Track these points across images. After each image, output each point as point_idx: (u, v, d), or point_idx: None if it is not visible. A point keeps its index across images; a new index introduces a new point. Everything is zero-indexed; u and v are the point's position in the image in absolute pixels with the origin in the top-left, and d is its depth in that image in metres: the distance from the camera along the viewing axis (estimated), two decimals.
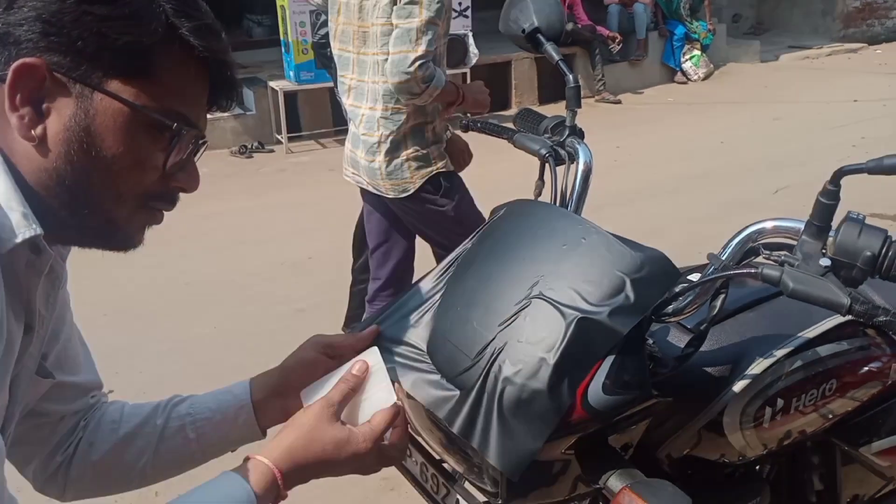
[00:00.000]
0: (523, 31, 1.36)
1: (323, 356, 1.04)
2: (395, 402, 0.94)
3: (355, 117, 2.50)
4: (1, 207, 0.71)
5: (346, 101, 2.54)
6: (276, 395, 1.03)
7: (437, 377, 0.98)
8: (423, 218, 2.50)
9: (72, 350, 0.99)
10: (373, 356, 0.98)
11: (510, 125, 1.49)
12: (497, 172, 4.16)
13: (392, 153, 2.40)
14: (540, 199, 1.30)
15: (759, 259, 1.09)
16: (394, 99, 2.35)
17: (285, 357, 1.07)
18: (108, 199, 0.78)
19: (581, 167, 1.29)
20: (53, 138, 0.74)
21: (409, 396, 1.01)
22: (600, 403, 0.97)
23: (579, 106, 1.36)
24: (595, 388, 0.97)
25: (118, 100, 0.75)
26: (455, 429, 0.94)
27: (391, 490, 2.42)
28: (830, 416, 1.26)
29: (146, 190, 0.80)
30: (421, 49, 2.21)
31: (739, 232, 1.10)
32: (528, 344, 0.93)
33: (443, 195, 2.43)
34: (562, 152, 1.31)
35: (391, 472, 1.40)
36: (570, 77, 1.33)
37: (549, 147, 1.31)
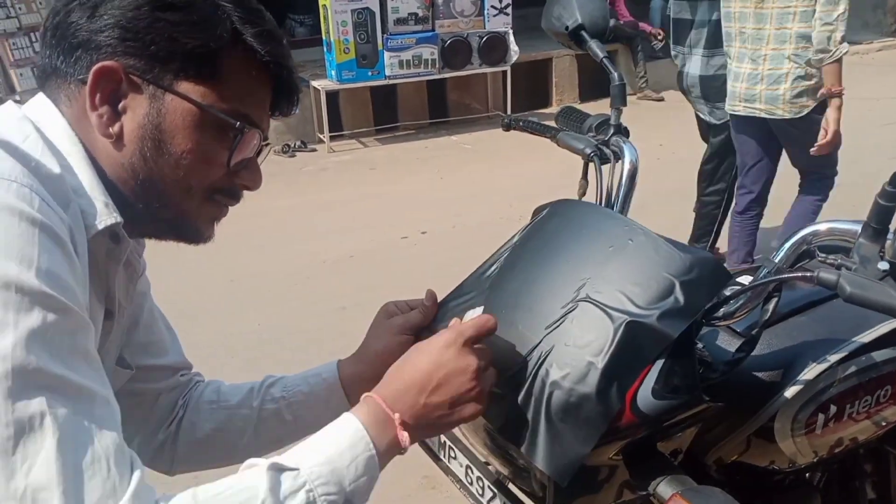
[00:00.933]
0: (567, 28, 1.33)
1: (405, 337, 1.04)
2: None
3: (756, 58, 3.30)
4: (87, 196, 0.77)
5: (735, 47, 3.37)
6: (364, 381, 1.02)
7: None
8: (806, 134, 3.32)
9: (155, 335, 1.05)
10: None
11: (551, 123, 1.47)
12: (539, 171, 4.14)
13: (796, 82, 3.25)
14: (584, 198, 1.29)
15: (814, 262, 1.07)
16: (802, 40, 3.15)
17: (362, 341, 1.08)
18: (177, 193, 0.84)
19: (627, 166, 1.26)
20: (129, 135, 0.81)
21: None
22: (650, 408, 0.95)
23: (624, 104, 1.33)
24: (644, 393, 0.96)
25: (187, 100, 0.81)
26: (501, 432, 0.94)
27: (432, 489, 2.43)
28: (884, 424, 1.23)
29: (212, 185, 0.86)
30: (841, 28, 3.09)
31: (793, 234, 1.08)
32: (576, 348, 0.91)
33: (822, 116, 3.22)
34: (606, 151, 1.29)
35: (433, 470, 1.41)
36: (615, 75, 1.31)
37: (593, 146, 1.29)
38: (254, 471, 0.74)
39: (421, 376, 0.84)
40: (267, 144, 0.90)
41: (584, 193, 1.31)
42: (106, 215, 0.78)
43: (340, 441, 0.79)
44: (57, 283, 0.67)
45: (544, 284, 0.98)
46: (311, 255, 4.31)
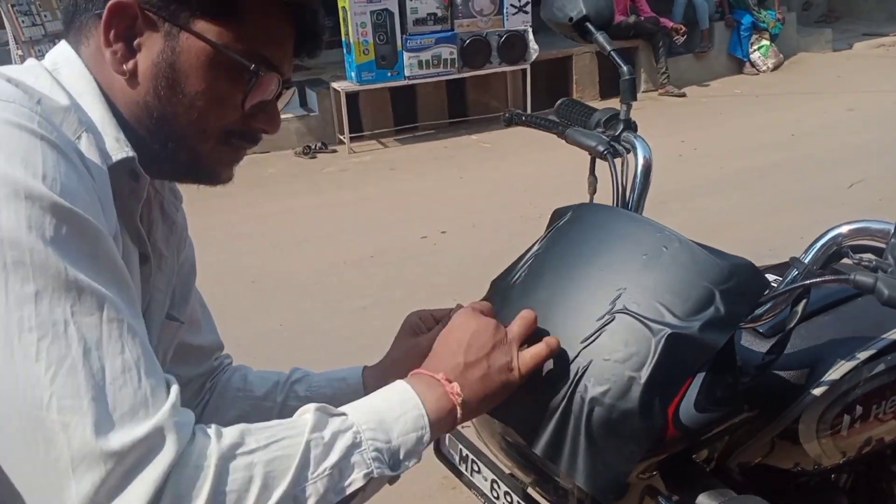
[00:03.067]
0: (570, 19, 1.26)
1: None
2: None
3: None
4: (98, 131, 0.76)
5: None
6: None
7: (513, 395, 0.92)
8: None
9: (194, 313, 1.05)
10: None
11: (554, 118, 1.41)
12: (559, 169, 4.12)
13: None
14: (596, 196, 1.26)
15: (845, 262, 1.05)
16: None
17: (390, 347, 1.08)
18: (191, 133, 0.82)
19: (641, 163, 1.21)
20: (143, 73, 0.79)
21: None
22: (693, 421, 0.93)
23: (634, 98, 1.27)
24: (687, 406, 0.94)
25: (202, 39, 0.79)
26: (538, 450, 0.90)
27: (452, 489, 2.43)
28: None
29: (227, 127, 0.84)
30: None
31: (824, 234, 1.05)
32: (615, 362, 0.88)
33: None
34: (618, 147, 1.24)
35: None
36: (625, 69, 1.24)
37: (605, 143, 1.23)
38: (304, 414, 0.74)
39: (451, 345, 0.85)
40: (288, 87, 0.87)
41: (594, 191, 1.27)
42: (117, 150, 0.77)
43: (388, 398, 0.79)
44: (65, 191, 0.65)
45: (576, 295, 0.94)
46: (332, 256, 4.32)
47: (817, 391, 1.09)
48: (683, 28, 7.95)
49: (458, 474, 1.29)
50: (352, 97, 6.44)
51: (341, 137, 6.51)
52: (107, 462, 0.61)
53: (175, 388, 0.68)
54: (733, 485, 1.09)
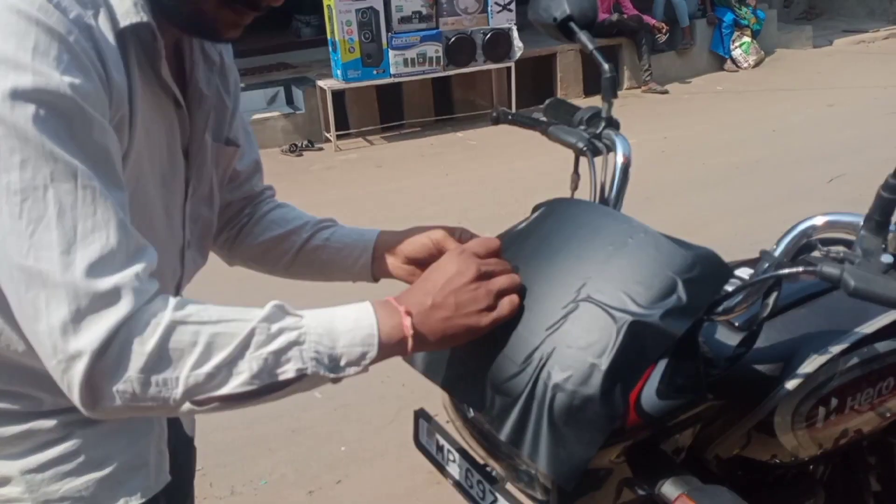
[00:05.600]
0: (555, 19, 1.28)
1: (436, 251, 1.07)
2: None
3: None
4: None
5: None
6: (390, 253, 1.11)
7: (480, 381, 0.95)
8: None
9: (237, 138, 1.11)
10: None
11: (541, 116, 1.43)
12: (545, 166, 4.15)
13: None
14: (577, 192, 1.28)
15: (815, 255, 1.05)
16: None
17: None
18: None
19: (620, 160, 1.24)
20: None
21: (450, 398, 1.00)
22: (654, 409, 0.94)
23: (615, 96, 1.30)
24: (649, 393, 0.95)
25: None
26: (503, 436, 0.92)
27: (437, 483, 2.44)
28: (888, 415, 1.22)
29: None
30: None
31: (793, 227, 1.07)
32: (578, 349, 0.90)
33: None
34: (598, 145, 1.26)
35: None
36: (606, 67, 1.26)
37: (585, 140, 1.25)
38: (266, 305, 0.81)
39: (428, 283, 0.90)
40: None
41: (576, 188, 1.29)
42: (133, 14, 0.81)
43: (349, 313, 0.85)
44: (52, 73, 0.72)
45: (544, 285, 0.96)
46: None
47: (792, 383, 1.10)
48: (665, 26, 8.00)
49: (436, 464, 1.31)
50: (338, 95, 6.43)
51: (327, 135, 6.50)
52: (70, 303, 0.72)
53: (145, 262, 0.77)
54: (710, 477, 1.11)
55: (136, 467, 0.96)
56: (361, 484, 2.50)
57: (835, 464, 1.35)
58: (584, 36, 1.28)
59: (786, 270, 0.99)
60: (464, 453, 1.24)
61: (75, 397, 0.75)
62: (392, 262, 1.11)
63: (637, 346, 0.89)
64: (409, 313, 0.86)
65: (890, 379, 1.19)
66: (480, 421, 1.06)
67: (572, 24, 1.28)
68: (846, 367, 1.13)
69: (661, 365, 0.96)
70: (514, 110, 1.50)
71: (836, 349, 1.13)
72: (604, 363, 0.88)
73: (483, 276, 0.90)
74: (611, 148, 1.26)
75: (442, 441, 1.29)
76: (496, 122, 1.48)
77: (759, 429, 1.12)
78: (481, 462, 1.22)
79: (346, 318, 0.84)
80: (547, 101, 1.44)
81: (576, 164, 1.30)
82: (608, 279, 0.93)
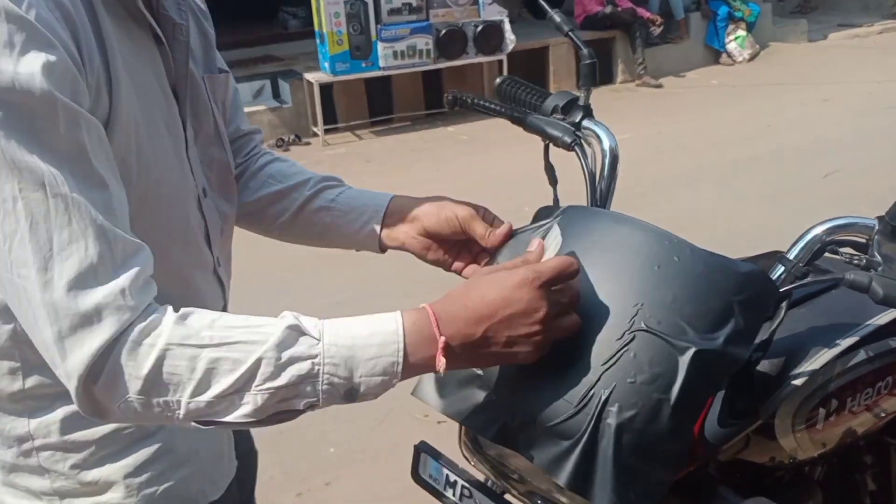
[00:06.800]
0: None
1: (458, 229, 1.00)
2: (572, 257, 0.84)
3: None
4: None
5: None
6: (405, 221, 1.03)
7: (524, 423, 0.88)
8: None
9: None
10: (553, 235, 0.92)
11: (496, 100, 1.29)
12: (536, 161, 4.10)
13: None
14: (558, 186, 1.19)
15: (827, 256, 1.05)
16: None
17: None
18: None
19: (608, 154, 1.15)
20: None
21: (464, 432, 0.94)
22: (716, 437, 0.93)
23: (595, 83, 1.18)
24: (711, 422, 0.93)
25: None
26: (564, 482, 0.84)
27: None
28: (884, 415, 1.21)
29: None
30: None
31: (807, 231, 1.05)
32: (641, 384, 0.84)
33: None
34: (583, 137, 1.16)
35: None
36: (586, 51, 1.15)
37: (571, 133, 1.14)
38: (278, 321, 0.75)
39: (485, 309, 0.77)
40: None
41: (556, 182, 1.19)
42: None
43: (374, 334, 0.76)
44: (2, 63, 0.66)
45: (590, 314, 0.87)
46: (308, 249, 4.24)
47: (793, 385, 1.08)
48: (659, 19, 7.97)
49: (442, 498, 1.25)
50: (326, 88, 6.38)
51: (315, 129, 6.46)
52: (52, 324, 0.68)
53: (134, 271, 0.71)
54: (709, 480, 1.09)
55: (217, 457, 0.95)
56: (351, 486, 2.48)
57: (831, 464, 1.33)
58: (557, 16, 1.16)
59: (812, 279, 0.98)
60: (484, 489, 1.19)
61: (81, 410, 0.73)
62: (406, 231, 1.02)
63: (703, 376, 0.84)
64: (446, 348, 0.76)
65: (888, 378, 1.18)
66: (505, 454, 1.02)
67: (541, 2, 1.17)
68: (846, 368, 1.12)
69: (721, 393, 0.94)
70: (455, 90, 1.31)
71: (835, 350, 1.11)
72: (672, 397, 0.83)
73: (550, 319, 0.79)
74: (586, 140, 1.16)
75: (454, 476, 1.24)
76: (452, 105, 1.35)
77: (758, 431, 1.10)
78: (499, 491, 1.18)
79: (369, 343, 0.75)
80: (498, 80, 1.31)
81: (546, 154, 1.20)
82: (661, 305, 0.86)
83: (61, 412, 0.85)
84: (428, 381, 0.97)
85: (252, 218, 1.12)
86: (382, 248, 1.06)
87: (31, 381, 0.84)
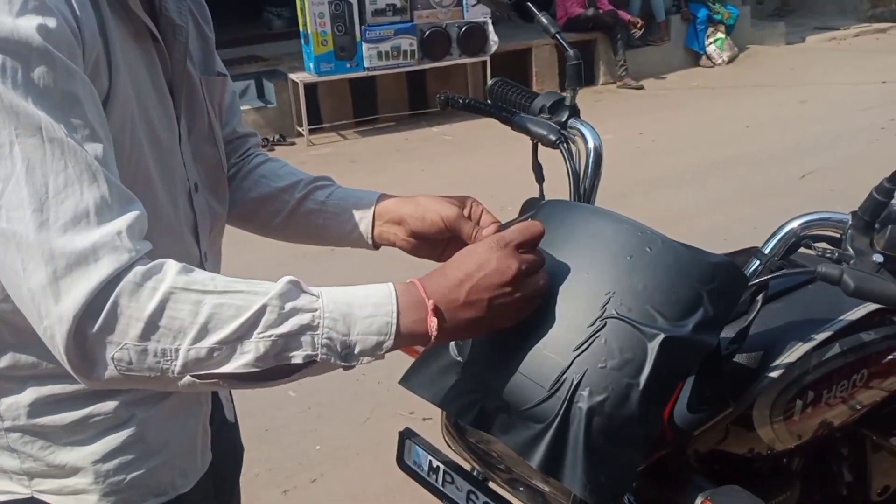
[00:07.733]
0: None
1: (449, 230, 1.02)
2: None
3: None
4: None
5: None
6: (394, 223, 1.06)
7: (500, 407, 0.90)
8: None
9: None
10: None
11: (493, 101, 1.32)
12: (520, 161, 4.12)
13: None
14: (545, 184, 1.23)
15: (801, 251, 1.07)
16: None
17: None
18: None
19: (592, 153, 1.18)
20: None
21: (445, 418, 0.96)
22: (686, 422, 0.95)
23: (581, 84, 1.22)
24: (680, 408, 0.95)
25: None
26: (536, 464, 0.87)
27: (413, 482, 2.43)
28: (860, 407, 1.24)
29: None
30: None
31: (783, 225, 1.07)
32: (612, 370, 0.86)
33: None
34: (568, 136, 1.20)
35: None
36: (571, 52, 1.17)
37: (556, 131, 1.18)
38: (280, 281, 0.76)
39: (462, 274, 0.82)
40: None
41: (543, 180, 1.23)
42: None
43: (369, 296, 0.79)
44: (4, 16, 0.68)
45: (564, 301, 0.90)
46: (292, 249, 4.25)
47: (770, 377, 1.11)
48: (640, 21, 8.03)
49: (426, 484, 1.28)
50: (310, 88, 6.37)
51: (300, 129, 6.44)
52: (47, 264, 0.68)
53: (129, 218, 0.72)
54: (688, 470, 1.11)
55: (189, 451, 0.95)
56: (337, 483, 2.48)
57: (809, 456, 1.36)
58: (544, 18, 1.17)
59: (785, 272, 0.99)
60: (465, 474, 1.21)
61: (67, 364, 0.71)
62: (395, 232, 1.05)
63: (671, 363, 0.87)
64: (436, 311, 0.80)
65: (863, 371, 1.21)
66: (486, 440, 1.03)
67: (529, 5, 1.17)
68: (822, 361, 1.15)
69: (690, 379, 0.96)
70: (446, 91, 1.34)
71: (811, 343, 1.14)
72: (641, 382, 0.85)
73: (522, 276, 0.83)
74: (570, 138, 1.20)
75: (436, 462, 1.26)
76: (443, 106, 1.38)
77: (737, 423, 1.12)
78: (481, 477, 1.20)
79: (364, 303, 0.78)
80: (491, 82, 1.35)
81: (534, 152, 1.24)
82: (632, 293, 0.89)
83: (30, 395, 0.85)
84: (414, 370, 1.00)
85: (247, 219, 1.14)
86: (376, 246, 1.09)
87: (4, 362, 0.84)
